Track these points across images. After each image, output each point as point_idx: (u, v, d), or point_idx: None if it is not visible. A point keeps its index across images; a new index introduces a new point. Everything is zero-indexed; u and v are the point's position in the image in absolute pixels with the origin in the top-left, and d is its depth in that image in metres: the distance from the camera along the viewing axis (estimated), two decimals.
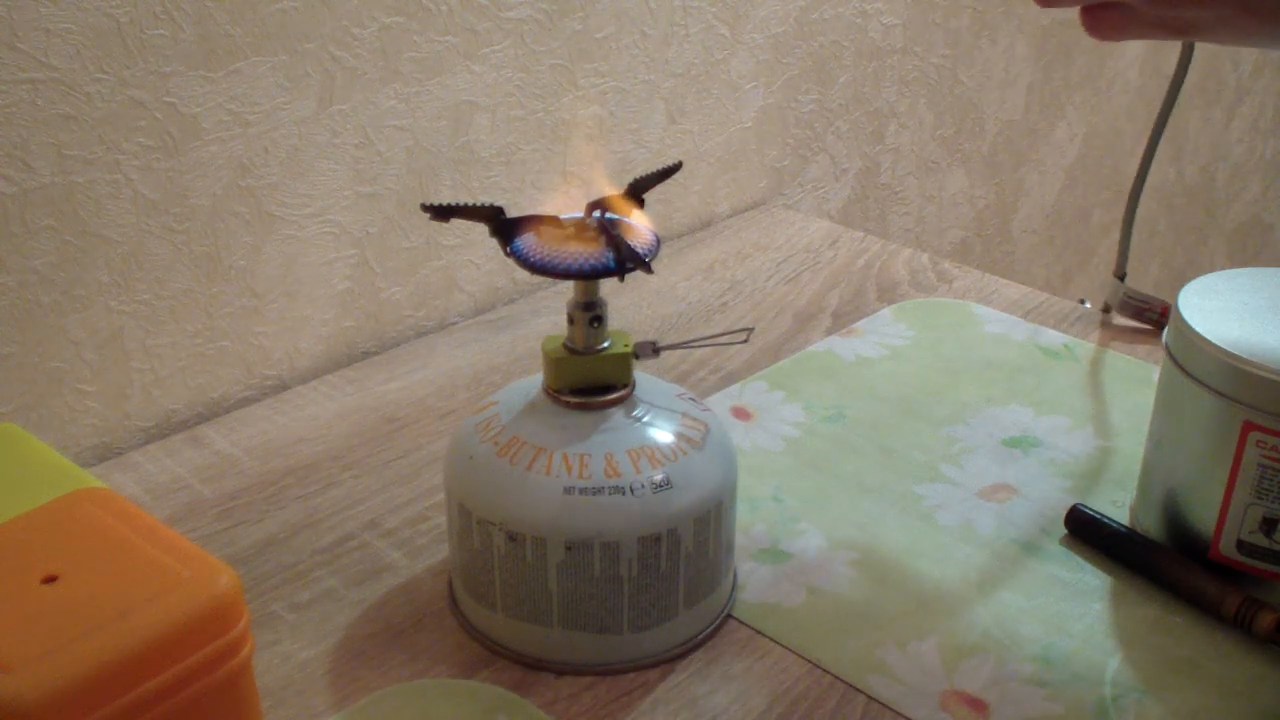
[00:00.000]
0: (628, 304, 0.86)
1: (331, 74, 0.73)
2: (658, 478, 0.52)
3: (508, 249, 0.53)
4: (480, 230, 0.54)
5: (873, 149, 1.15)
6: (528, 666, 0.55)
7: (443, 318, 0.85)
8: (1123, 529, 0.61)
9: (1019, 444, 0.71)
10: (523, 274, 0.88)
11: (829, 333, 0.83)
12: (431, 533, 0.63)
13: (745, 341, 0.71)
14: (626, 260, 0.51)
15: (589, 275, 0.51)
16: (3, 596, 0.41)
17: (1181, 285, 0.61)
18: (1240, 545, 0.57)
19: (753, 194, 1.05)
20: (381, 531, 0.63)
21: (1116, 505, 0.65)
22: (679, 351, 0.80)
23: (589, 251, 0.52)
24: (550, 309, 0.86)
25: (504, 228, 0.53)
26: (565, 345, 0.54)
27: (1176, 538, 0.60)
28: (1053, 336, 0.82)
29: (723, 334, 0.59)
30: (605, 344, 0.54)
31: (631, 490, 0.52)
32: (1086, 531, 0.62)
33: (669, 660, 0.55)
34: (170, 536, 0.44)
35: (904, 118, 1.17)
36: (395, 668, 0.55)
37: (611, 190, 0.55)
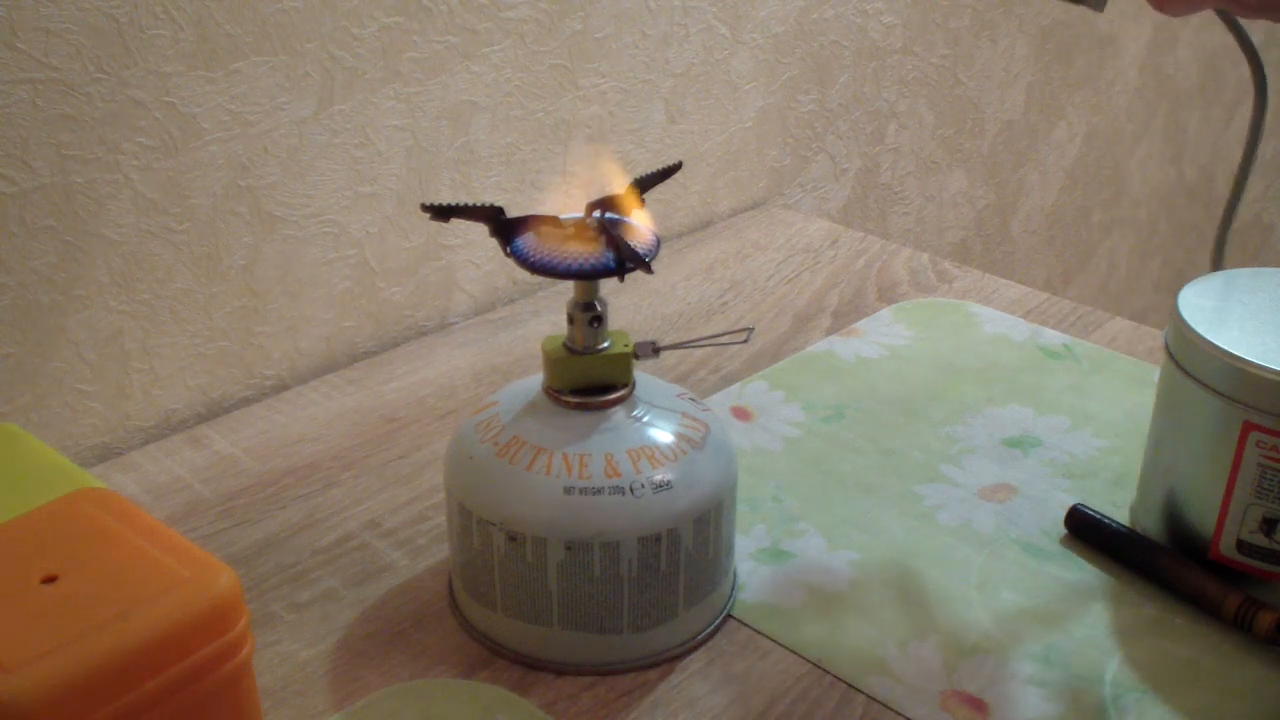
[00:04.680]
0: (628, 304, 0.86)
1: (331, 74, 0.73)
2: (658, 478, 0.52)
3: (508, 249, 0.52)
4: (480, 230, 0.54)
5: (873, 149, 1.15)
6: (528, 666, 0.54)
7: (443, 318, 0.85)
8: (1123, 529, 0.61)
9: (1019, 444, 0.71)
10: (523, 274, 0.88)
11: (829, 333, 0.83)
12: (431, 533, 0.63)
13: (745, 341, 0.71)
14: (626, 260, 0.51)
15: (589, 275, 0.51)
16: (3, 596, 0.41)
17: (1181, 285, 0.61)
18: (1240, 545, 0.57)
19: (753, 194, 1.05)
20: (381, 531, 0.63)
21: (1116, 505, 0.65)
22: (679, 351, 0.80)
23: (589, 251, 0.52)
24: (550, 309, 0.86)
25: (504, 228, 0.53)
26: (565, 345, 0.54)
27: (1176, 538, 0.60)
28: (1053, 336, 0.82)
29: (723, 334, 0.59)
30: (605, 344, 0.54)
31: (631, 490, 0.52)
32: (1086, 531, 0.62)
33: (669, 660, 0.55)
34: (170, 536, 0.44)
35: (904, 118, 1.17)
36: (395, 668, 0.55)
37: (622, 185, 0.55)
